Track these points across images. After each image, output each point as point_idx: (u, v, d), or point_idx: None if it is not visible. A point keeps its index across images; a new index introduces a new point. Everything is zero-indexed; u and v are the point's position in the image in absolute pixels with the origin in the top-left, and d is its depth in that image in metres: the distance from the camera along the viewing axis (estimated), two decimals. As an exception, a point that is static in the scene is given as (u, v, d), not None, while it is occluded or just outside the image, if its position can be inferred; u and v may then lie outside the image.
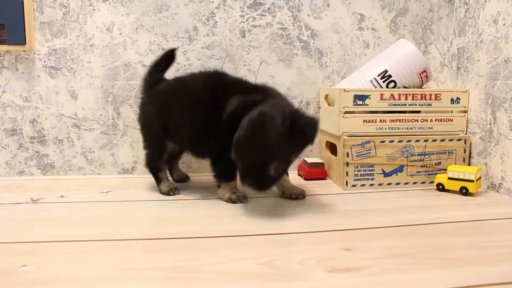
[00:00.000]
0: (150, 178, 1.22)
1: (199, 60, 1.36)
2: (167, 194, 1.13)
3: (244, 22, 1.38)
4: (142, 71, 1.34)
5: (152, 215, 0.97)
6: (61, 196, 1.11)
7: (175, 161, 1.28)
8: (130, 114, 1.36)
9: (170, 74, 1.35)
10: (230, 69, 1.37)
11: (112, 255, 0.74)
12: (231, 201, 1.05)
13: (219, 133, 0.99)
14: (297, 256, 0.72)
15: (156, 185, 1.16)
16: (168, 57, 1.23)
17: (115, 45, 1.34)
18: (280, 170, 0.94)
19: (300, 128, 0.92)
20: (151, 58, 1.34)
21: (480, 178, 1.13)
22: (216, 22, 1.37)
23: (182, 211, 1.00)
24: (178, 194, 1.13)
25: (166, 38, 1.35)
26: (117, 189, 1.18)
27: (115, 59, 1.34)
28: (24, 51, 1.30)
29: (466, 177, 1.10)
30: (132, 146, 1.37)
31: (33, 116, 1.33)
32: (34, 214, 0.97)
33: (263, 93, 1.04)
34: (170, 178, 1.23)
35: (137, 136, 1.36)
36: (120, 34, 1.34)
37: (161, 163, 1.16)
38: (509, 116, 1.08)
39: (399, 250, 0.76)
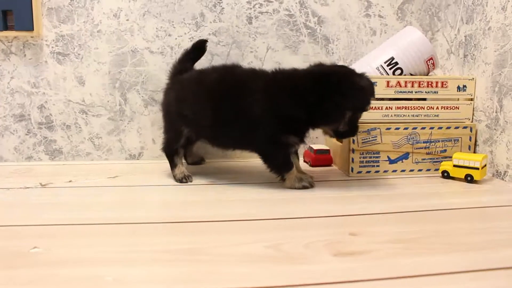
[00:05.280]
0: (157, 164, 1.23)
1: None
2: (180, 181, 1.13)
3: (251, 9, 1.37)
4: (149, 57, 1.35)
5: (159, 199, 0.99)
6: (69, 181, 1.12)
7: (190, 145, 1.30)
8: (137, 100, 1.37)
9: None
10: (236, 56, 1.37)
11: (120, 238, 0.75)
12: (304, 188, 1.05)
13: (269, 124, 1.02)
14: (304, 240, 0.73)
15: (169, 171, 1.17)
16: (198, 48, 1.24)
17: (122, 31, 1.34)
18: None
19: None
20: (158, 45, 1.35)
21: (485, 165, 1.13)
22: (223, 8, 1.37)
23: (190, 196, 1.01)
24: (191, 182, 1.13)
25: (173, 24, 1.35)
26: (125, 175, 1.20)
27: (122, 45, 1.35)
28: (32, 37, 1.31)
29: (472, 165, 1.10)
30: (139, 132, 1.38)
31: (41, 102, 1.34)
32: (43, 198, 0.98)
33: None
34: (184, 162, 1.25)
35: (144, 122, 1.38)
36: (127, 20, 1.34)
37: (178, 145, 1.16)
38: (507, 105, 1.08)
39: (404, 235, 0.76)
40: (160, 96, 1.37)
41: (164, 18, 1.35)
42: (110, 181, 1.13)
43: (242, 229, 0.79)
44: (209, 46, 1.36)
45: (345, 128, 1.03)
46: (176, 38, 1.36)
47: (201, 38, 1.32)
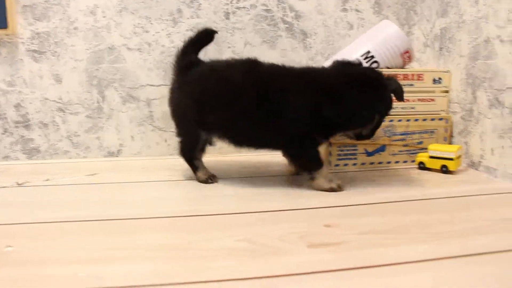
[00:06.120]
0: (136, 161, 1.22)
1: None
2: (205, 182, 1.07)
3: (228, 4, 1.38)
4: (126, 54, 1.34)
5: (138, 196, 0.98)
6: (47, 180, 1.11)
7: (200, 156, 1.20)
8: (115, 97, 1.36)
9: (155, 57, 1.35)
10: (214, 51, 1.37)
11: (98, 236, 0.74)
12: (332, 190, 0.99)
13: (305, 123, 0.98)
14: (278, 232, 0.74)
15: (148, 166, 1.16)
16: (206, 36, 1.14)
17: (99, 28, 1.34)
18: None
19: None
20: (135, 41, 1.34)
21: (460, 156, 1.15)
22: (200, 4, 1.36)
23: (168, 192, 1.01)
24: (217, 182, 1.08)
25: (150, 21, 1.35)
26: (103, 172, 1.19)
27: (99, 42, 1.34)
28: (6, 35, 1.29)
29: (447, 156, 1.12)
30: (117, 129, 1.38)
31: (17, 100, 1.33)
32: (20, 198, 0.97)
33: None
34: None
35: (122, 119, 1.37)
36: (104, 17, 1.33)
37: (196, 151, 1.10)
38: (488, 96, 1.10)
39: (379, 226, 0.77)
40: (138, 93, 1.37)
41: (141, 15, 1.35)
42: (89, 178, 1.13)
43: (218, 224, 0.80)
44: (186, 42, 1.36)
45: (368, 131, 1.03)
46: (153, 35, 1.35)
47: (177, 33, 1.32)
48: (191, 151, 1.10)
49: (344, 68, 1.02)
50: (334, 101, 0.96)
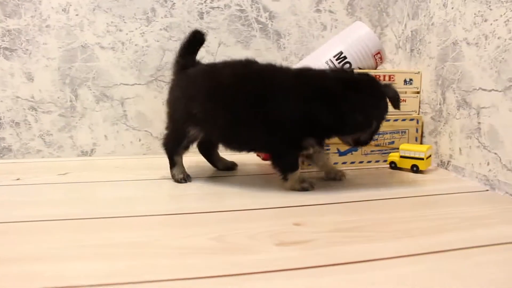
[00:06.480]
0: (109, 160, 1.22)
1: (158, 41, 1.36)
2: (179, 181, 1.07)
3: (202, 4, 1.38)
4: (99, 53, 1.34)
5: (108, 195, 0.98)
6: (17, 179, 1.10)
7: (212, 151, 1.22)
8: (89, 96, 1.35)
9: (128, 56, 1.35)
10: (188, 51, 1.37)
11: (65, 234, 0.74)
12: (304, 189, 1.00)
13: (295, 126, 0.97)
14: (248, 231, 0.75)
15: (121, 166, 1.16)
16: (195, 38, 1.12)
17: (72, 26, 1.32)
18: None
19: None
20: (108, 40, 1.33)
21: (430, 156, 1.17)
22: (174, 3, 1.36)
23: (139, 192, 1.01)
24: (190, 182, 1.08)
25: (124, 20, 1.34)
26: (76, 171, 1.18)
27: (72, 41, 1.33)
28: (-24, 32, 1.27)
29: (417, 156, 1.14)
30: (91, 129, 1.37)
31: (-12, 98, 1.31)
32: (-11, 197, 0.96)
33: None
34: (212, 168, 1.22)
35: (96, 118, 1.36)
36: (77, 15, 1.32)
37: (180, 147, 1.09)
38: (456, 97, 1.12)
39: (348, 224, 0.79)
40: (112, 92, 1.36)
41: (115, 13, 1.34)
42: (60, 178, 1.12)
43: (187, 223, 0.80)
44: (160, 41, 1.36)
45: (367, 137, 1.03)
46: (127, 33, 1.35)
47: (151, 32, 1.31)
48: (174, 146, 1.09)
49: (341, 73, 1.03)
50: (329, 107, 0.96)
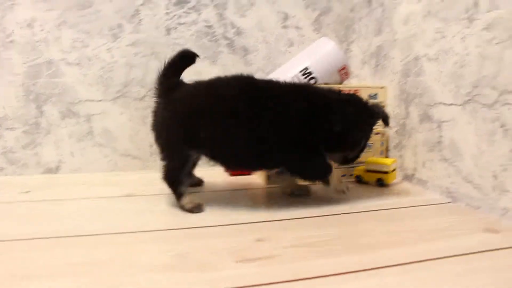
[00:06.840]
0: (75, 177, 1.20)
1: (124, 57, 1.36)
2: (191, 211, 0.96)
3: (169, 20, 1.38)
4: (65, 69, 1.32)
5: (68, 213, 0.96)
6: (-22, 198, 1.07)
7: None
8: (54, 112, 1.33)
9: (95, 71, 1.34)
10: (155, 67, 1.36)
11: (21, 253, 0.72)
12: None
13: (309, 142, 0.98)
14: (210, 248, 0.74)
15: (87, 182, 1.14)
16: (187, 58, 1.08)
17: (37, 42, 1.31)
18: None
19: None
20: (74, 56, 1.32)
21: (395, 169, 1.19)
22: (141, 19, 1.36)
23: (101, 209, 0.99)
24: (203, 211, 0.97)
25: (90, 35, 1.33)
26: (39, 189, 1.16)
27: (37, 56, 1.31)
28: None
29: (382, 169, 1.16)
30: (56, 145, 1.35)
31: (-51, 115, 1.28)
32: None
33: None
34: None
35: (61, 135, 1.34)
36: (42, 30, 1.31)
37: (183, 174, 1.00)
38: (419, 111, 1.14)
39: (310, 239, 0.79)
40: (78, 108, 1.34)
41: (81, 29, 1.33)
42: (22, 196, 1.09)
43: (150, 240, 0.79)
44: (127, 57, 1.35)
45: (354, 154, 1.06)
46: (93, 49, 1.34)
47: (117, 48, 1.31)
48: (177, 175, 1.00)
49: (336, 94, 1.03)
50: (332, 124, 0.97)
